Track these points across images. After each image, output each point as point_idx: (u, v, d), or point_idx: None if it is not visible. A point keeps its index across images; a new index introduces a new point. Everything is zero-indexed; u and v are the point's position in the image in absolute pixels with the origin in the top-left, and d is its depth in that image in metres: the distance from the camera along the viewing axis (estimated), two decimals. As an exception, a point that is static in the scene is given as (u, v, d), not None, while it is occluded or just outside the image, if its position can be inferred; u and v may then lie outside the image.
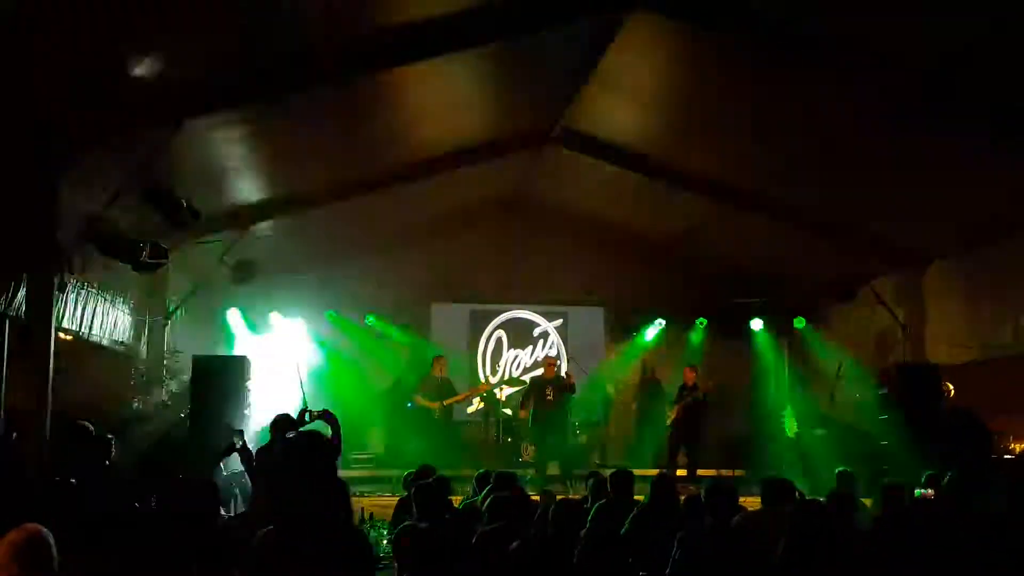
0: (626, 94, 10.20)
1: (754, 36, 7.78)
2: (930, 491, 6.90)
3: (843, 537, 5.68)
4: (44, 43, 6.24)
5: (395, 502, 8.66)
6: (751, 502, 7.51)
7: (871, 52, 7.71)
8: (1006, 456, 10.10)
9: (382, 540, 7.94)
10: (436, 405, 12.63)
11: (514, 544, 5.11)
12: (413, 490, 6.68)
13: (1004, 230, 10.00)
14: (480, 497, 7.86)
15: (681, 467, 12.62)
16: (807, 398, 13.40)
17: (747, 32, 7.75)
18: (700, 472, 12.39)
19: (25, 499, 6.46)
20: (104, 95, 7.28)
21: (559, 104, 10.45)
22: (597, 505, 6.94)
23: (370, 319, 14.53)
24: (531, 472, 12.33)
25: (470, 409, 14.29)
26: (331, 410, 7.28)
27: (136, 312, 10.52)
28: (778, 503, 6.72)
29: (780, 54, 7.89)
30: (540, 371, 13.51)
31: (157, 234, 8.49)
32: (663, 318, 15.09)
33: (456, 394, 13.02)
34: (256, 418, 11.08)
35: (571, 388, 12.57)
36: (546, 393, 12.44)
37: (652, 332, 15.16)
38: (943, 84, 7.79)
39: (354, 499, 9.86)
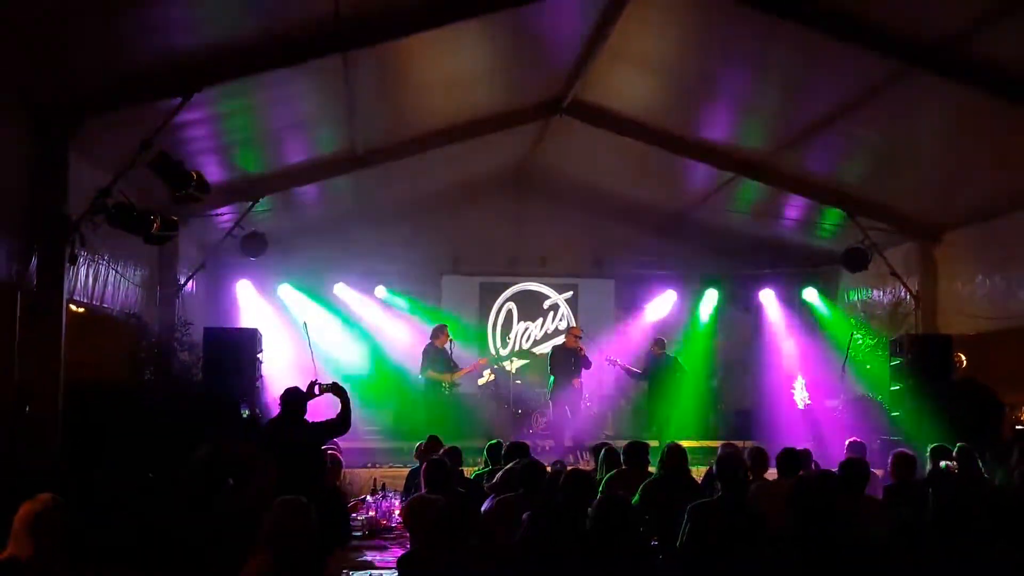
0: (637, 64, 10.10)
1: (767, 3, 7.69)
2: (953, 463, 6.88)
3: (853, 507, 5.70)
4: (52, 13, 6.21)
5: (406, 473, 8.72)
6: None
7: (882, 22, 7.63)
8: (1018, 427, 10.06)
9: (394, 511, 8.00)
10: (448, 378, 12.30)
11: (525, 515, 5.13)
12: (423, 464, 6.72)
13: (1016, 202, 9.91)
14: (492, 468, 7.92)
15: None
16: (818, 368, 13.36)
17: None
18: (707, 443, 12.29)
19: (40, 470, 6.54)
20: (113, 66, 7.27)
21: (570, 75, 10.35)
22: (608, 475, 6.97)
23: (380, 291, 14.53)
24: (550, 442, 12.30)
25: (481, 381, 14.27)
26: (341, 382, 7.28)
27: (147, 284, 10.54)
28: (792, 473, 6.74)
29: (792, 23, 7.79)
30: (562, 340, 13.36)
31: (167, 206, 8.48)
32: (673, 289, 15.03)
33: (458, 366, 12.76)
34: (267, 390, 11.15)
35: (588, 363, 12.33)
36: (570, 364, 12.19)
37: (662, 303, 15.09)
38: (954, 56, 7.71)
39: (366, 470, 9.99)
